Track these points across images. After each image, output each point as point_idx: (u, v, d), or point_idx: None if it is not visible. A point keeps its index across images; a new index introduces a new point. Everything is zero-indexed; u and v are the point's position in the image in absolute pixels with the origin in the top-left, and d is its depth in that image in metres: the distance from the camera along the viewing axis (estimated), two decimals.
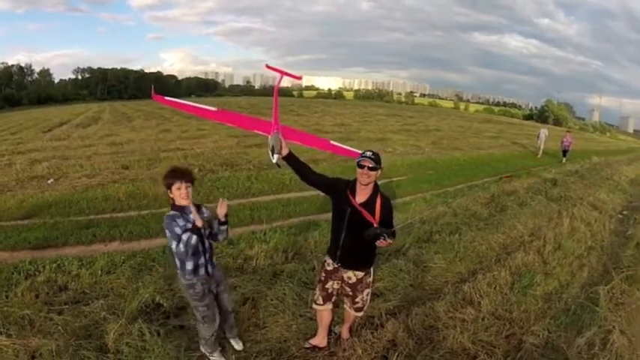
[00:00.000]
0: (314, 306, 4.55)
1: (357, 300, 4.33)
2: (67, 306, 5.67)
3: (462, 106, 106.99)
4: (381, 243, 3.78)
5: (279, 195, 11.60)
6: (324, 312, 4.53)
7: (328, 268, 4.35)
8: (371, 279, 4.36)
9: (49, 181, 12.92)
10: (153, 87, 6.26)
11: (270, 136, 4.32)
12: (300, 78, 5.87)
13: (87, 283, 6.30)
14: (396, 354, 4.46)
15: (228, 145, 19.22)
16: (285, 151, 4.17)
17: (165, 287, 5.86)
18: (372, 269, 4.34)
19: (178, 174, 4.09)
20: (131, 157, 16.52)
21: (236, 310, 5.19)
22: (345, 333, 4.80)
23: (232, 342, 4.78)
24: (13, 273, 6.80)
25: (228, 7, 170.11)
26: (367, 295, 4.37)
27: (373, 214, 3.95)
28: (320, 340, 4.67)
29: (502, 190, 12.63)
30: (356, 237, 3.93)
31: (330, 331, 4.79)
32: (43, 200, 10.95)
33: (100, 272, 6.56)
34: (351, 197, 4.00)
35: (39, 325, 5.15)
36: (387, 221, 3.99)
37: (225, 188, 12.04)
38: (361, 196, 4.00)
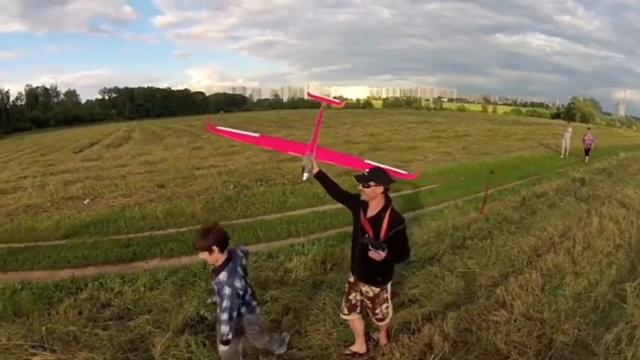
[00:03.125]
0: (342, 316, 4.94)
1: (376, 312, 4.67)
2: (111, 322, 6.05)
3: (490, 108, 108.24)
4: (372, 255, 4.02)
5: (315, 208, 12.07)
6: (353, 321, 4.88)
7: (350, 280, 4.74)
8: (387, 294, 4.66)
9: (84, 202, 13.57)
10: (207, 118, 6.97)
11: (304, 157, 4.92)
12: (341, 103, 6.44)
13: (130, 300, 6.72)
14: (432, 356, 4.73)
15: (261, 161, 19.69)
16: (315, 170, 4.75)
17: (208, 300, 6.18)
18: (388, 285, 4.64)
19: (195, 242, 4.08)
20: (166, 175, 17.14)
21: (278, 320, 5.68)
22: (382, 339, 5.14)
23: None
24: (54, 291, 7.30)
25: (251, 22, 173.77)
26: (386, 308, 4.70)
27: (380, 228, 4.18)
28: (359, 346, 4.98)
29: (532, 193, 13.28)
30: (366, 252, 4.15)
31: (368, 337, 5.15)
32: (80, 220, 11.59)
33: (142, 288, 7.01)
34: (362, 212, 4.31)
35: (84, 340, 5.51)
36: (395, 237, 4.18)
37: (262, 203, 12.54)
38: (371, 210, 4.30)
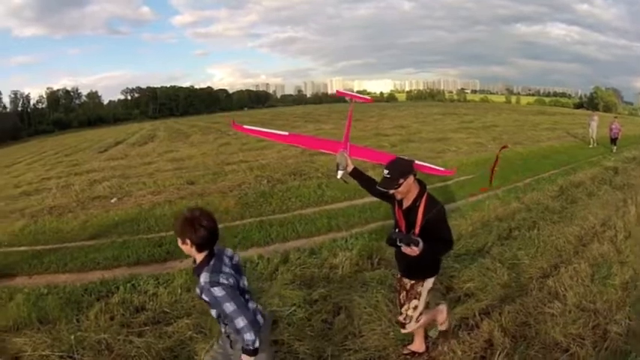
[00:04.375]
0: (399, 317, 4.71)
1: (402, 310, 4.49)
2: (147, 327, 5.76)
3: (514, 99, 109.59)
4: (406, 251, 3.84)
5: (353, 201, 11.92)
6: None
7: (397, 276, 4.66)
8: (422, 289, 4.41)
9: (112, 201, 13.55)
10: (231, 120, 6.95)
11: (337, 155, 4.86)
12: (371, 101, 6.68)
13: (166, 302, 6.42)
14: (498, 354, 4.65)
15: (293, 155, 19.74)
16: (350, 168, 4.69)
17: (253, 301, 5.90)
18: (427, 280, 4.42)
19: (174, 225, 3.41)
20: (195, 172, 17.16)
21: (329, 321, 5.53)
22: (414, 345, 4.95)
23: None
24: (83, 295, 7.04)
25: (271, 19, 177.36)
26: (413, 308, 4.43)
27: (415, 219, 4.05)
28: (418, 345, 4.84)
29: (569, 182, 13.68)
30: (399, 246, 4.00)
31: (426, 336, 4.97)
32: (108, 220, 11.54)
33: (179, 290, 6.72)
34: (396, 203, 4.23)
35: (118, 349, 5.22)
36: (430, 226, 4.02)
37: (298, 197, 12.52)
38: (407, 200, 4.15)
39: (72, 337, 5.37)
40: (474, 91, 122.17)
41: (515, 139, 25.07)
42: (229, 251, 3.45)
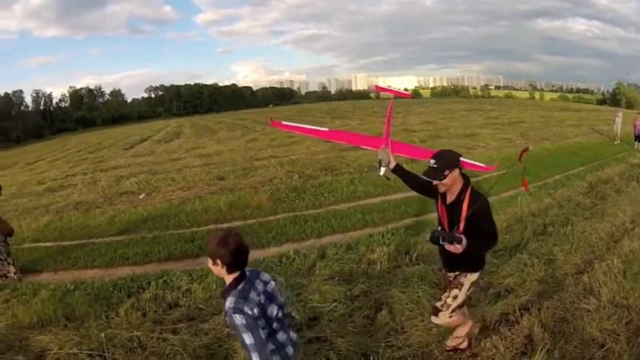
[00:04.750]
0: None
1: (441, 297, 4.46)
2: (181, 324, 5.62)
3: (537, 95, 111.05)
4: (449, 248, 3.87)
5: (386, 196, 12.04)
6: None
7: (442, 272, 4.64)
8: (465, 280, 4.38)
9: (140, 196, 13.66)
10: (271, 119, 6.84)
11: (379, 151, 4.87)
12: (409, 96, 6.71)
13: (201, 299, 6.30)
14: (539, 350, 4.64)
15: (322, 150, 19.87)
16: (392, 164, 4.64)
17: (293, 297, 5.98)
18: (473, 273, 4.41)
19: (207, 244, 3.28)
20: (224, 167, 17.29)
21: (371, 317, 5.52)
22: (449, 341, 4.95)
23: None
24: (113, 291, 6.94)
25: (293, 16, 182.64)
26: (453, 297, 4.40)
27: (459, 214, 4.05)
28: (462, 343, 4.85)
29: (598, 179, 13.65)
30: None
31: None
32: (136, 215, 11.60)
33: (214, 286, 6.55)
34: (440, 198, 4.23)
35: (151, 347, 5.10)
36: (475, 220, 3.98)
37: (330, 193, 12.59)
38: (450, 195, 4.16)
39: (102, 334, 5.24)
40: (497, 87, 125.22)
41: (541, 135, 25.27)
42: (266, 276, 3.34)
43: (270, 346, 3.12)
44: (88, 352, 5.01)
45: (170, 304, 6.32)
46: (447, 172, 3.96)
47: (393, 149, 5.01)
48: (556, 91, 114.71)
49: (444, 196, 4.19)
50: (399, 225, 9.45)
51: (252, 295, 3.07)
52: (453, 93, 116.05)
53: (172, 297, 6.44)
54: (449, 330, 4.86)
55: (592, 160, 17.49)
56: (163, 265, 8.22)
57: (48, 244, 10.36)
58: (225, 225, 10.25)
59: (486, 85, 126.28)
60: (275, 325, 3.21)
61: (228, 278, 3.13)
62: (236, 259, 3.05)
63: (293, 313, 5.49)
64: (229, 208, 11.53)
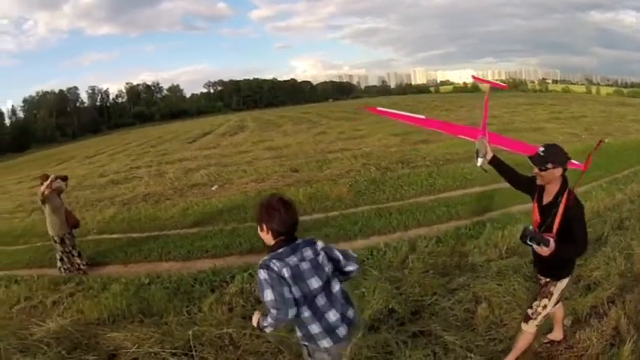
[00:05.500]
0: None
1: (532, 305, 4.45)
2: None
3: (594, 89, 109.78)
4: (535, 248, 3.87)
5: (465, 190, 12.15)
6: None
7: (536, 273, 4.66)
8: (555, 289, 4.37)
9: (212, 188, 13.90)
10: (366, 105, 7.12)
11: (476, 141, 4.88)
12: (506, 87, 6.68)
13: None
14: (628, 341, 4.65)
15: (394, 143, 20.04)
16: (489, 155, 4.62)
17: (394, 290, 5.96)
18: (562, 280, 4.36)
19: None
20: (296, 160, 17.49)
21: (472, 310, 5.54)
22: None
23: None
24: (193, 285, 6.84)
25: (349, 10, 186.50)
26: (543, 306, 4.40)
27: (554, 217, 4.01)
28: (557, 334, 5.01)
29: None
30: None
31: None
32: (210, 207, 11.73)
33: None
34: (537, 197, 4.22)
35: (244, 345, 4.93)
36: (568, 225, 3.98)
37: (410, 185, 12.60)
38: (547, 195, 4.15)
39: (189, 331, 5.06)
40: (555, 81, 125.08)
41: (604, 131, 24.80)
42: (320, 245, 3.36)
43: (317, 328, 3.22)
44: (172, 351, 4.85)
45: (258, 298, 6.04)
46: (550, 165, 3.95)
47: (490, 140, 5.05)
48: (611, 85, 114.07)
49: (540, 195, 4.20)
50: (484, 218, 9.48)
51: (291, 258, 3.12)
52: (511, 87, 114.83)
53: None
54: (546, 322, 4.82)
55: None
56: (245, 257, 8.14)
57: (115, 235, 10.50)
58: (306, 217, 10.17)
59: (544, 78, 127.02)
60: (323, 302, 3.25)
61: (271, 241, 3.21)
62: (282, 225, 3.13)
63: (396, 307, 5.55)
64: (308, 200, 11.57)
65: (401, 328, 5.11)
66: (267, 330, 3.23)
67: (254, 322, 3.29)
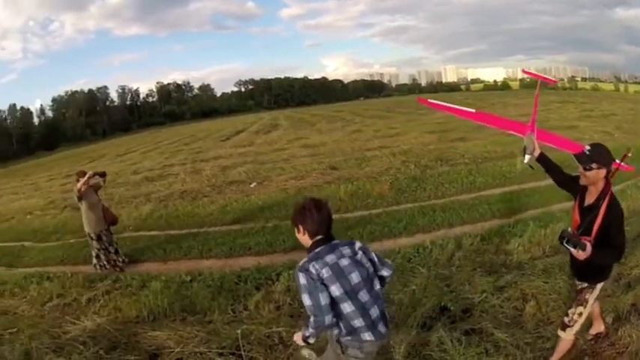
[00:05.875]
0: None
1: (568, 312, 4.46)
2: None
3: (622, 87, 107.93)
4: (571, 250, 3.86)
5: (505, 188, 12.05)
6: None
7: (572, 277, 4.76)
8: (590, 296, 4.37)
9: (251, 185, 13.97)
10: (419, 97, 7.22)
11: (525, 137, 4.91)
12: (556, 82, 6.56)
13: None
14: None
15: (431, 141, 20.13)
16: (537, 152, 4.70)
17: (444, 288, 6.04)
18: (597, 286, 4.36)
19: None
20: (333, 157, 17.53)
21: (520, 308, 5.59)
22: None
23: None
24: (237, 283, 6.77)
25: (379, 8, 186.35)
26: (578, 314, 4.40)
27: (594, 220, 3.96)
28: (597, 327, 5.04)
29: None
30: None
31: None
32: (250, 204, 11.77)
33: None
34: (579, 198, 4.22)
35: (295, 344, 4.65)
36: (607, 230, 3.93)
37: (450, 183, 12.56)
38: (589, 197, 4.13)
39: (238, 330, 4.99)
40: (584, 79, 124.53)
41: (635, 130, 24.42)
42: (357, 245, 3.46)
43: (361, 323, 3.29)
44: (219, 351, 4.77)
45: None
46: (594, 165, 3.91)
47: (538, 137, 5.08)
48: (639, 83, 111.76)
49: (582, 196, 4.19)
50: (525, 216, 9.44)
51: (330, 256, 3.24)
52: (541, 84, 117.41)
53: None
54: (589, 320, 4.88)
55: None
56: (290, 255, 8.08)
57: (153, 232, 10.51)
58: (348, 215, 10.25)
59: (573, 76, 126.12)
60: (365, 297, 3.34)
61: (310, 244, 3.34)
62: (318, 226, 3.26)
63: (449, 305, 5.60)
64: (350, 198, 11.56)
65: (452, 326, 5.12)
66: (311, 340, 3.35)
67: (298, 341, 3.46)
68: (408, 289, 5.98)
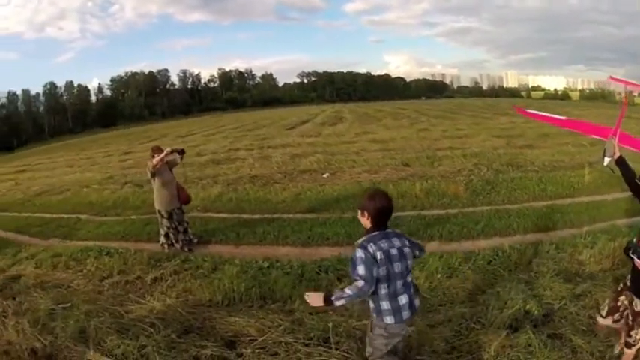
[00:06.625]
0: (597, 317, 4.90)
1: (631, 333, 4.42)
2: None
3: None
4: (636, 262, 3.94)
5: (574, 198, 11.82)
6: (608, 327, 4.83)
7: (627, 283, 4.50)
8: None
9: (324, 175, 14.05)
10: (514, 105, 7.32)
11: (606, 141, 5.07)
12: None
13: (426, 287, 6.34)
14: None
15: (500, 146, 19.86)
16: (617, 155, 4.77)
17: (528, 292, 6.02)
18: None
19: None
20: (405, 154, 17.45)
21: (593, 316, 5.38)
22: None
23: None
24: (318, 272, 6.78)
25: (443, 8, 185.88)
26: None
27: None
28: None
29: None
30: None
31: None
32: (324, 194, 11.80)
33: (438, 275, 6.66)
34: None
35: None
36: None
37: (522, 190, 12.44)
38: None
39: (329, 323, 4.98)
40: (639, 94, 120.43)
41: None
42: (406, 240, 3.86)
43: (387, 306, 3.73)
44: (305, 342, 4.71)
45: None
46: None
47: (620, 141, 5.13)
48: None
49: None
50: (593, 228, 9.17)
51: (383, 243, 3.68)
52: (600, 97, 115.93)
53: None
54: None
55: None
56: None
57: (223, 215, 10.61)
58: (425, 212, 10.27)
59: (630, 91, 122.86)
60: (399, 285, 3.77)
61: (370, 228, 3.77)
62: (379, 214, 3.73)
63: (533, 308, 5.62)
64: (425, 195, 11.55)
65: (536, 330, 5.10)
66: (340, 302, 3.55)
67: (313, 302, 3.64)
68: (492, 291, 6.08)
